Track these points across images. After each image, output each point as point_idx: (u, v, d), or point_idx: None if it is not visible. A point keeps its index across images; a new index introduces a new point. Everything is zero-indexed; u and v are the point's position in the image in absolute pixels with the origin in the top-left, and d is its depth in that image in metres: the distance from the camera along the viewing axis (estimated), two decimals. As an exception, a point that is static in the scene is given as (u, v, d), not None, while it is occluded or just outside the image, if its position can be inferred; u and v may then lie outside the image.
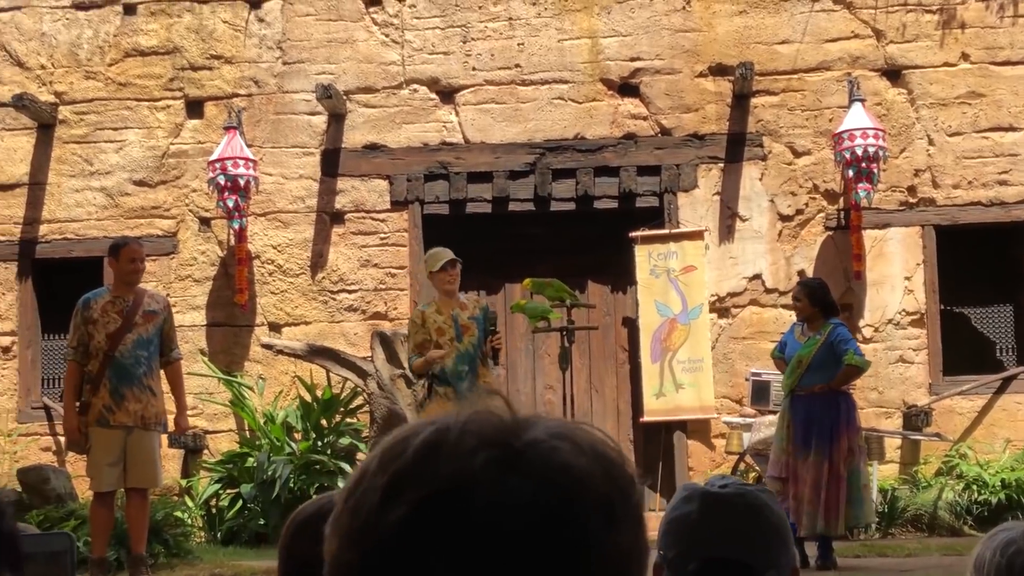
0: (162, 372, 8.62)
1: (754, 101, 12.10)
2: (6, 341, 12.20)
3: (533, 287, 9.01)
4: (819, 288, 9.09)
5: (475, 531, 0.90)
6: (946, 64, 12.10)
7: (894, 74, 12.15)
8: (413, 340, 8.83)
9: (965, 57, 12.11)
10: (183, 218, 12.25)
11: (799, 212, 11.94)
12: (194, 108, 12.42)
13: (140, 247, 8.87)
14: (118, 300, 8.52)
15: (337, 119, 12.27)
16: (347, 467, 10.82)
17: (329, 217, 12.21)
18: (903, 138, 12.03)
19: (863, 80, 11.96)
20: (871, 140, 11.35)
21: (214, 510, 11.19)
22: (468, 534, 0.90)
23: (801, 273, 11.67)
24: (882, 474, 11.28)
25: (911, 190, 11.99)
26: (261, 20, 12.43)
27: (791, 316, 11.17)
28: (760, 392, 11.02)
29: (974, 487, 10.95)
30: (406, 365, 10.14)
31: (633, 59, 12.22)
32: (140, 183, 12.28)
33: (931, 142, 12.03)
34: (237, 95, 12.34)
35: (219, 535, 10.95)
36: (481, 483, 0.91)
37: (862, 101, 11.66)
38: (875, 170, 11.39)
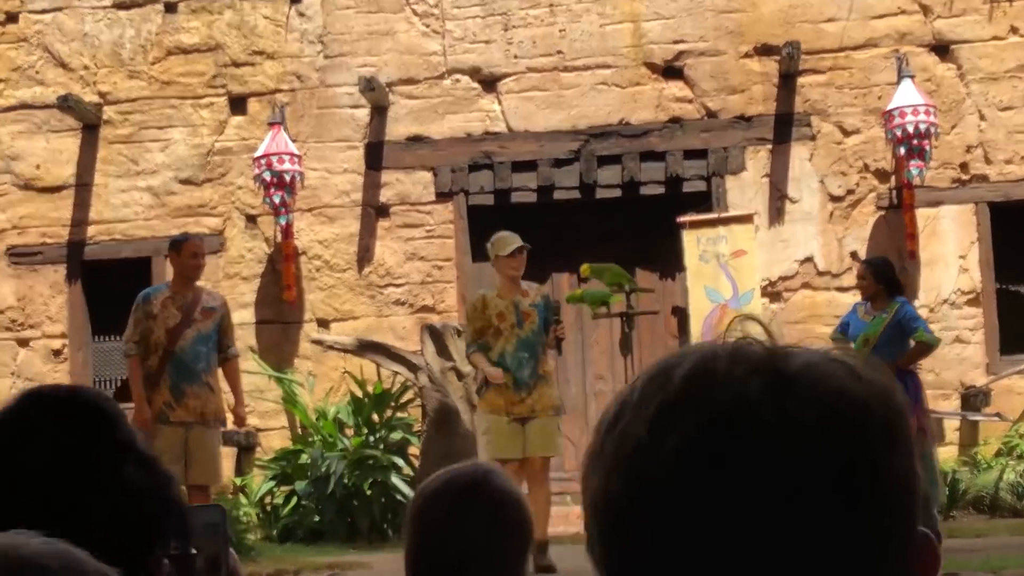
0: (219, 370, 8.63)
1: (801, 80, 11.92)
2: (57, 344, 12.21)
3: (592, 272, 8.90)
4: (884, 266, 9.00)
5: (759, 455, 0.88)
6: (995, 38, 11.88)
7: (943, 49, 11.93)
8: (472, 325, 8.75)
9: (1014, 31, 11.88)
10: (229, 215, 12.22)
11: (850, 192, 11.76)
12: (237, 105, 12.38)
13: (201, 242, 8.92)
14: (177, 296, 8.56)
15: (380, 111, 12.20)
16: (400, 461, 10.78)
17: (374, 211, 12.14)
18: (953, 114, 11.82)
19: (911, 56, 11.76)
20: (922, 117, 11.15)
21: (269, 507, 11.17)
22: (752, 458, 0.88)
23: (854, 255, 11.51)
24: (942, 456, 11.08)
25: (963, 167, 11.78)
26: (302, 15, 12.36)
27: (844, 299, 11.02)
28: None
29: (1035, 467, 10.76)
30: (461, 354, 10.05)
31: (676, 41, 12.07)
32: (186, 181, 12.26)
33: (982, 117, 11.82)
34: (280, 90, 12.29)
35: (275, 532, 10.93)
36: (760, 408, 0.89)
37: (911, 77, 11.47)
38: (926, 147, 11.20)
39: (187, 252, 8.64)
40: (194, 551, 1.35)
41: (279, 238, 11.98)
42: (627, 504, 0.92)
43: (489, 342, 8.73)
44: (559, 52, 12.19)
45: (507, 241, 8.78)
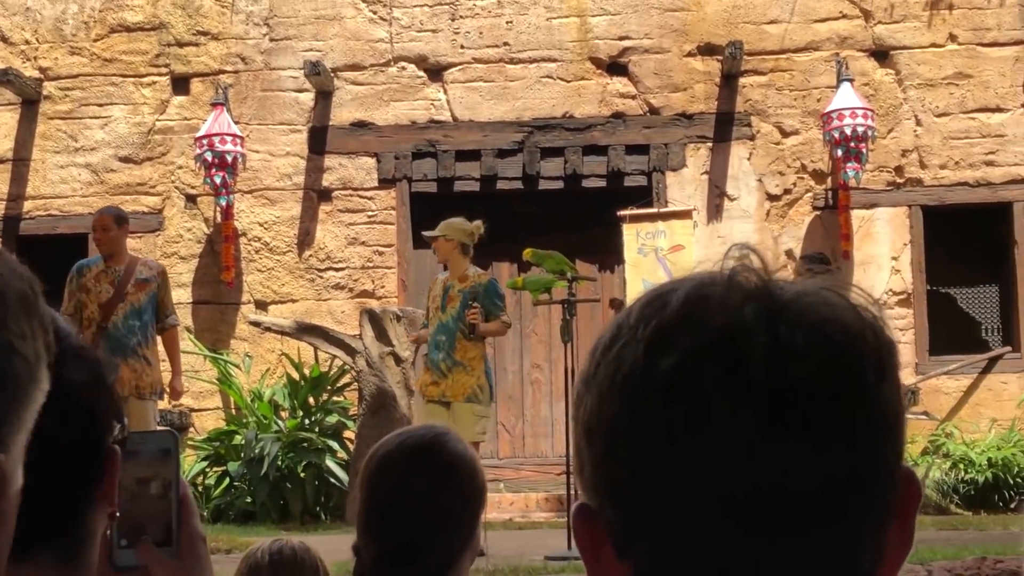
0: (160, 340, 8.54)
1: (742, 81, 11.99)
2: (-9, 318, 12.00)
3: (534, 257, 8.89)
4: (821, 263, 9.07)
5: (754, 378, 0.89)
6: (934, 45, 12.01)
7: (882, 55, 12.05)
8: (424, 304, 8.94)
9: (953, 38, 12.02)
10: (169, 195, 12.10)
11: (787, 192, 11.85)
12: (180, 84, 12.26)
13: (105, 216, 8.68)
14: (110, 270, 8.41)
15: (324, 96, 12.13)
16: (335, 445, 10.72)
17: (316, 195, 12.07)
18: (891, 119, 11.94)
19: (851, 60, 11.87)
20: (859, 120, 11.26)
21: (201, 488, 11.05)
22: (746, 381, 0.88)
23: (789, 253, 11.60)
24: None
25: (898, 170, 11.91)
26: (248, -4, 12.26)
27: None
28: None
29: (961, 466, 10.89)
30: (400, 339, 10.04)
31: (622, 38, 12.09)
32: (126, 159, 12.12)
33: (919, 123, 11.95)
34: (224, 72, 12.18)
35: (206, 513, 10.81)
36: (753, 332, 0.89)
37: (850, 81, 11.57)
38: (863, 150, 11.30)
39: (95, 226, 8.55)
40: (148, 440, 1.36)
41: (219, 219, 11.89)
42: (620, 427, 0.92)
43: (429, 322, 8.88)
44: (505, 44, 12.17)
45: (466, 228, 8.91)
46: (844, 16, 12.04)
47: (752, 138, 11.96)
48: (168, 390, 8.76)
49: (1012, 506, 10.87)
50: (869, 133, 11.29)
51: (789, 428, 0.89)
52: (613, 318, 0.99)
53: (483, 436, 9.28)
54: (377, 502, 2.28)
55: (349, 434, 10.75)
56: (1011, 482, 10.90)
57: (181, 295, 11.79)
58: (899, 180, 11.91)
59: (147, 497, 1.38)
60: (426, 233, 8.91)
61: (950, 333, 11.80)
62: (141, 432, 1.41)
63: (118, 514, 1.28)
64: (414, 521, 2.25)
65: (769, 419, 0.88)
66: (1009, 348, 11.84)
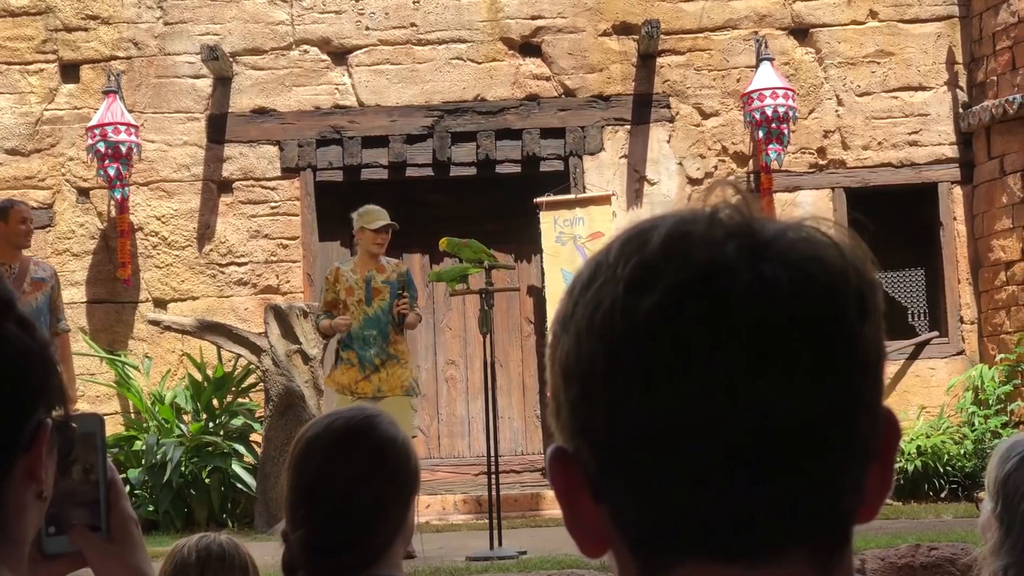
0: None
1: (660, 61, 12.06)
2: None
3: (450, 246, 8.88)
4: None
5: (736, 316, 0.90)
6: (854, 22, 12.17)
7: (802, 33, 12.19)
8: (323, 297, 8.88)
9: (873, 15, 12.18)
10: (59, 188, 11.91)
11: (708, 175, 11.95)
12: (69, 72, 12.07)
13: (28, 207, 8.62)
14: (3, 267, 8.25)
15: (223, 82, 12.01)
16: (241, 448, 10.64)
17: (216, 186, 11.95)
18: (812, 98, 12.08)
19: (770, 39, 11.98)
20: (780, 100, 11.37)
21: (99, 497, 10.91)
22: (729, 318, 0.90)
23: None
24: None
25: (821, 152, 12.05)
26: (140, -23, 12.10)
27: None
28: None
29: (890, 455, 11.04)
30: (307, 336, 9.98)
31: (534, 17, 12.11)
32: (12, 152, 11.91)
33: (840, 102, 12.10)
34: (116, 58, 12.01)
35: (105, 524, 10.68)
36: (735, 269, 0.91)
37: (770, 61, 11.68)
38: (785, 131, 11.42)
39: (15, 218, 8.36)
40: (73, 424, 1.35)
41: (113, 213, 11.73)
42: (598, 367, 0.92)
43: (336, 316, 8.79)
44: (413, 25, 12.13)
45: (375, 215, 8.85)
46: (763, -7, 12.17)
47: (671, 120, 12.04)
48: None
49: (942, 495, 11.07)
50: (790, 114, 11.41)
51: (771, 367, 0.90)
52: (591, 255, 1.00)
53: (418, 431, 9.27)
54: (305, 486, 2.26)
55: (256, 437, 10.68)
56: (941, 471, 11.09)
57: (75, 294, 11.63)
58: (822, 162, 12.05)
59: (71, 481, 1.38)
60: (390, 223, 8.82)
61: (876, 318, 11.95)
62: (64, 416, 1.41)
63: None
64: (344, 506, 2.24)
65: (751, 358, 0.90)
66: (936, 333, 12.03)
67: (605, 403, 0.92)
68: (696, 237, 0.93)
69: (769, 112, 11.30)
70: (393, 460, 2.30)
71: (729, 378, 0.89)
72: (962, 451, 11.11)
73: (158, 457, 10.43)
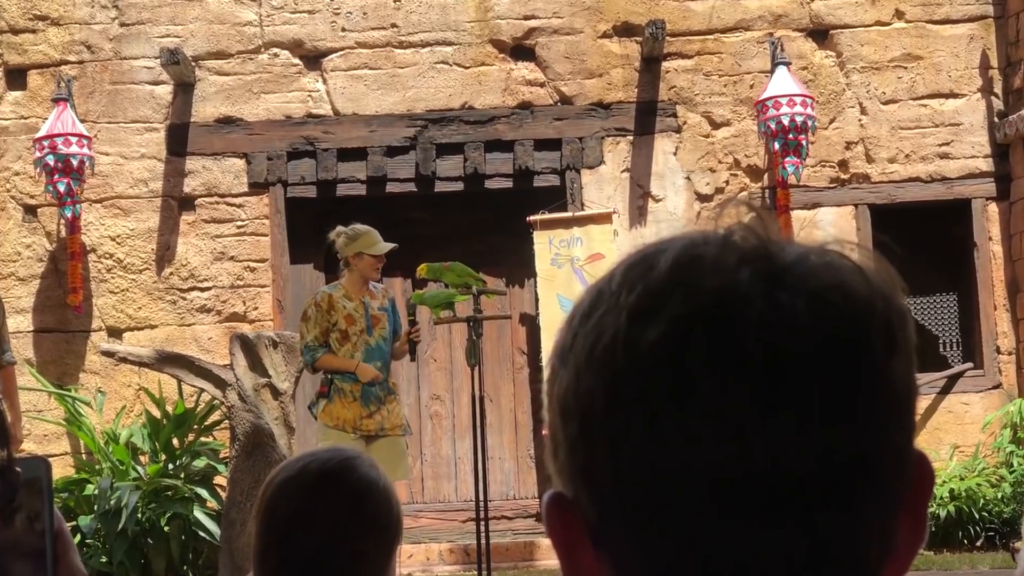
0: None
1: (665, 65, 12.10)
2: None
3: (430, 273, 8.90)
4: None
5: (748, 350, 0.90)
6: (878, 23, 12.22)
7: (821, 34, 12.24)
8: (317, 328, 8.79)
9: (899, 15, 12.24)
10: (4, 206, 11.93)
11: (719, 191, 11.97)
12: (15, 78, 12.10)
13: None
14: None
15: (184, 89, 12.04)
16: (204, 493, 10.62)
17: (177, 203, 11.97)
18: (833, 106, 12.12)
19: (787, 41, 12.03)
20: (798, 108, 11.41)
21: (47, 547, 10.89)
22: (740, 352, 0.90)
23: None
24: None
25: (842, 165, 12.09)
26: (93, -26, 12.15)
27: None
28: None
29: (920, 499, 11.04)
30: (277, 368, 9.96)
31: (527, 17, 12.16)
32: (-49, 165, 11.93)
33: (863, 111, 12.14)
34: (66, 62, 12.05)
35: None
36: (750, 300, 0.91)
37: (786, 65, 11.72)
38: (803, 142, 11.46)
39: None
40: (17, 468, 1.34)
41: (64, 233, 11.74)
42: (598, 404, 0.93)
43: (334, 349, 8.78)
44: (393, 26, 12.18)
45: (374, 238, 8.92)
46: (778, -9, 12.23)
47: (678, 130, 12.07)
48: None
49: (978, 543, 11.06)
50: (809, 123, 11.45)
51: (786, 405, 0.90)
52: (593, 282, 1.00)
53: (410, 474, 9.28)
54: (275, 535, 2.26)
55: (221, 480, 10.64)
56: (976, 516, 11.08)
57: (20, 322, 11.62)
58: (843, 176, 12.08)
59: (14, 531, 1.36)
60: (393, 246, 8.89)
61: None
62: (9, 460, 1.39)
63: None
64: (319, 556, 2.24)
65: (764, 395, 0.90)
66: (971, 365, 12.04)
67: (606, 443, 0.92)
68: (707, 262, 0.94)
69: (786, 121, 11.34)
70: (374, 505, 2.30)
71: (738, 417, 0.89)
72: (999, 495, 11.11)
73: (112, 503, 10.40)
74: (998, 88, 12.18)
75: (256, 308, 11.88)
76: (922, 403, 11.82)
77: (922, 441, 11.70)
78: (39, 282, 11.85)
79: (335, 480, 2.29)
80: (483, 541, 8.22)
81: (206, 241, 11.94)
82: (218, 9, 12.17)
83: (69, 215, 11.49)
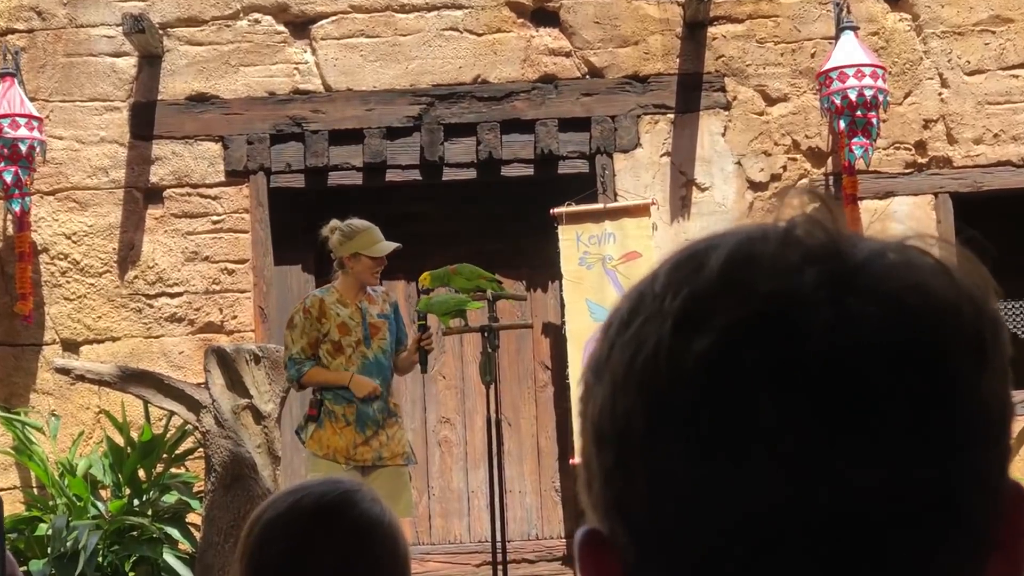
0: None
1: (712, 31, 12.11)
2: None
3: (434, 283, 8.90)
4: None
5: (812, 362, 0.90)
6: (962, -20, 12.21)
7: (895, -6, 12.24)
8: (304, 338, 8.81)
9: (986, -30, 12.22)
10: (-59, 199, 11.98)
11: (775, 178, 11.97)
12: (-47, 49, 12.15)
13: None
14: None
15: (151, 62, 12.08)
16: (175, 533, 10.64)
17: (142, 195, 12.01)
18: (908, 78, 12.10)
19: (854, 3, 12.03)
20: (868, 81, 11.38)
21: (-7, 596, 10.93)
22: (802, 367, 0.90)
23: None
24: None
25: (920, 147, 12.07)
26: (44, -72, 12.21)
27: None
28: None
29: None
30: (259, 387, 9.98)
31: (550, -24, 12.19)
32: None
33: (944, 83, 12.12)
34: (14, 31, 12.11)
35: (0, 630, 10.68)
36: (815, 305, 0.91)
37: (854, 30, 11.70)
38: (874, 121, 11.44)
39: None
40: None
41: (11, 230, 11.80)
42: (638, 427, 0.93)
43: (324, 363, 8.80)
44: (394, -14, 12.22)
45: (374, 236, 8.94)
46: (843, -56, 12.23)
47: (727, 107, 12.07)
48: None
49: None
50: (880, 98, 11.43)
51: (855, 431, 0.90)
52: (633, 285, 1.02)
53: (415, 511, 9.29)
54: None
55: (195, 518, 10.67)
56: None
57: (-40, 335, 11.68)
58: (921, 160, 12.07)
59: None
60: (396, 246, 8.92)
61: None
62: None
63: None
64: (314, 608, 2.25)
65: (831, 419, 0.90)
66: (1071, 379, 12.00)
67: (646, 472, 0.93)
68: (764, 261, 0.95)
69: (853, 96, 11.32)
70: (378, 547, 2.31)
71: (799, 443, 0.90)
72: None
73: (68, 544, 10.42)
74: (1102, 56, 12.17)
75: (235, 317, 11.90)
76: (1017, 424, 11.77)
77: (1017, 470, 11.67)
78: (-18, 288, 11.91)
79: (332, 518, 2.30)
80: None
81: (176, 239, 11.97)
82: (189, -32, 12.22)
83: (17, 209, 11.53)
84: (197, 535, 10.46)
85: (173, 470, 11.17)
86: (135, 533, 10.64)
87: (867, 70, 11.43)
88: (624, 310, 0.99)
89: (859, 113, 11.37)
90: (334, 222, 9.08)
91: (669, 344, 0.93)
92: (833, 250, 0.95)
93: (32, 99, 11.76)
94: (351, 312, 8.87)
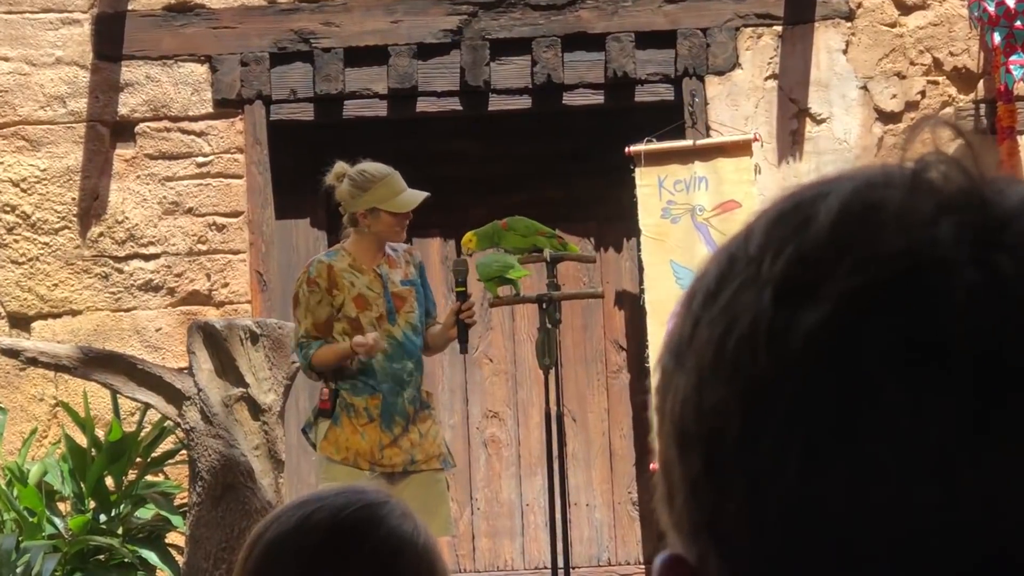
0: None
1: (831, -81, 12.11)
2: None
3: (480, 245, 8.90)
4: None
5: (953, 339, 0.89)
6: None
7: None
8: (311, 315, 8.78)
9: None
10: None
11: (911, 106, 11.96)
12: None
13: None
14: None
15: (119, -38, 12.13)
16: (153, 556, 10.71)
17: (109, 130, 12.08)
18: (1081, -21, 12.07)
19: None
20: (1029, -17, 11.38)
21: (-74, 635, 11.07)
22: (940, 346, 0.89)
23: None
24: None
25: (1096, 66, 12.05)
26: None
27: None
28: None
29: None
30: (257, 373, 10.02)
31: None
32: None
33: None
34: (-55, -77, 12.17)
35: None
36: (954, 267, 0.91)
37: (1013, -85, 11.68)
38: (1036, 34, 11.43)
39: None
40: None
41: (-55, 177, 11.89)
42: (732, 425, 0.93)
43: (336, 342, 8.80)
44: None
45: (396, 186, 8.86)
46: None
47: (849, 17, 12.06)
48: None
49: None
50: (1047, 5, 11.42)
51: (1008, 424, 0.89)
52: (723, 244, 1.01)
53: (454, 528, 9.33)
54: None
55: (177, 538, 10.76)
56: None
57: None
58: (1097, 83, 12.06)
59: None
60: (423, 195, 8.87)
61: None
62: None
63: None
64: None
65: (975, 412, 0.89)
66: None
67: (744, 483, 0.93)
68: (889, 213, 0.94)
69: (1011, 3, 11.29)
70: (409, 570, 2.32)
71: (940, 442, 0.89)
72: None
73: (18, 570, 10.52)
74: None
75: (226, 285, 11.96)
76: None
77: None
78: (-91, 248, 12.02)
79: (352, 538, 2.31)
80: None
81: (152, 186, 12.03)
82: None
83: (-48, 150, 11.64)
84: (180, 559, 10.53)
85: (149, 478, 11.27)
86: (102, 557, 10.74)
87: (1029, -31, 11.43)
88: (711, 277, 0.98)
89: (1019, 24, 11.34)
90: (341, 166, 8.97)
91: (770, 319, 0.93)
92: (976, 197, 0.94)
93: (-30, 10, 11.86)
94: (369, 280, 8.81)
